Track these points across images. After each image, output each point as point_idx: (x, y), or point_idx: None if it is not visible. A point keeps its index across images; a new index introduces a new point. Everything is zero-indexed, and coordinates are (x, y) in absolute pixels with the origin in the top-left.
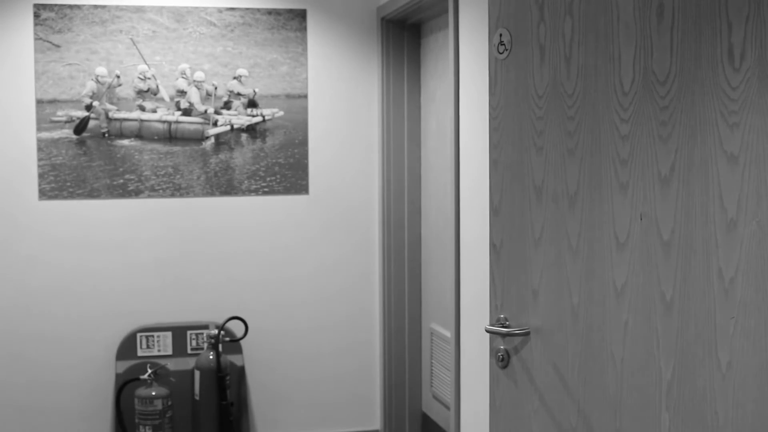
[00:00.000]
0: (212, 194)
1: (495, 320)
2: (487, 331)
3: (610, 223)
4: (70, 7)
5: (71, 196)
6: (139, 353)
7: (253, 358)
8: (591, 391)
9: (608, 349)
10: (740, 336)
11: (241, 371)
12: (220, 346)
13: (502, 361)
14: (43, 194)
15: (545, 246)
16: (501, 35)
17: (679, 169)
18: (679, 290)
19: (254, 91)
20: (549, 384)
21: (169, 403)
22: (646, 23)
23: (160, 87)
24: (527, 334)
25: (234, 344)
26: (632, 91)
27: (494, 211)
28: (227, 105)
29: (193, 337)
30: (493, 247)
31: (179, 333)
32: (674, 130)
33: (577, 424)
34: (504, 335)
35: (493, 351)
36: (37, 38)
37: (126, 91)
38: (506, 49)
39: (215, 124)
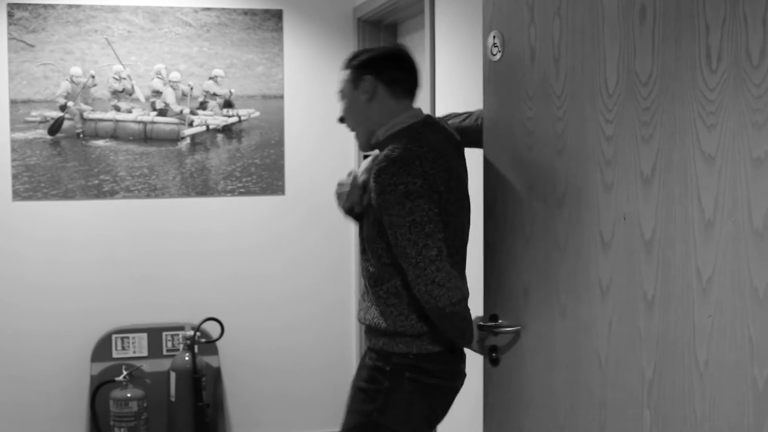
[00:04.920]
0: (188, 195)
1: (488, 318)
2: (479, 327)
3: (596, 223)
4: (45, 6)
5: (45, 196)
6: (114, 355)
7: (229, 359)
8: (578, 389)
9: (594, 348)
10: (717, 334)
11: (217, 372)
12: (196, 347)
13: (494, 358)
14: (17, 195)
15: (535, 245)
16: (494, 37)
17: (659, 169)
18: (660, 289)
19: (230, 91)
20: (539, 382)
21: (145, 404)
22: (629, 24)
23: (136, 87)
24: (518, 331)
25: (210, 345)
26: (617, 92)
27: (489, 211)
28: (203, 105)
29: (169, 338)
30: (487, 246)
31: (155, 334)
32: (655, 131)
33: (565, 422)
34: (495, 333)
35: (486, 349)
36: (10, 38)
37: (101, 92)
38: (500, 51)
39: (191, 124)
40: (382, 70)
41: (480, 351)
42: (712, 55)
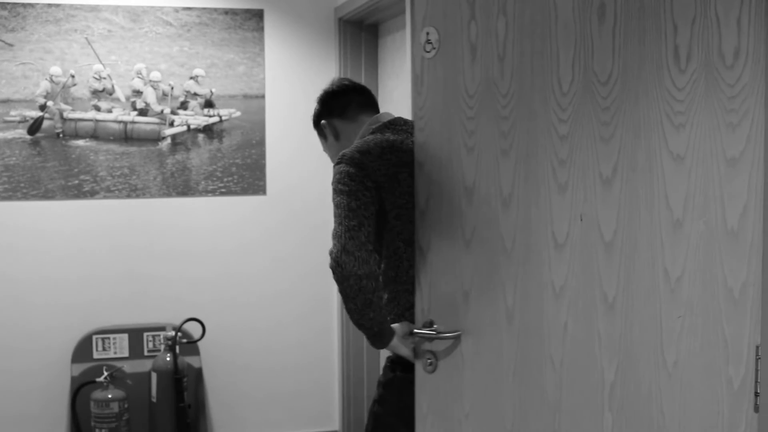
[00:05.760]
0: (169, 195)
1: (422, 323)
2: (415, 335)
3: (548, 224)
4: (24, 5)
5: (25, 197)
6: (95, 356)
7: (211, 359)
8: (528, 394)
9: (546, 351)
10: (687, 335)
11: (198, 373)
12: (177, 347)
13: (430, 365)
14: None
15: (477, 248)
16: (428, 33)
17: (621, 169)
18: (622, 291)
19: (211, 91)
20: (482, 387)
21: (126, 405)
22: (586, 23)
23: (116, 87)
24: (458, 337)
25: (191, 346)
26: (571, 92)
27: (420, 212)
28: (184, 105)
29: (150, 339)
30: (420, 250)
31: (135, 335)
32: (617, 131)
33: (513, 428)
34: (433, 338)
35: (421, 354)
36: None
37: (81, 91)
38: (434, 48)
39: (172, 124)
40: (329, 109)
41: (412, 358)
42: (680, 54)
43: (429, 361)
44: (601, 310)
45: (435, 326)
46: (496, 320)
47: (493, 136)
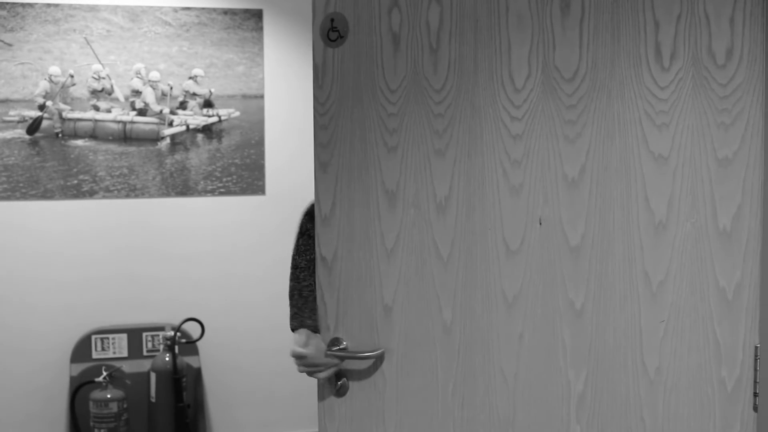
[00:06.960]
0: (168, 195)
1: (329, 342)
2: (330, 355)
3: (498, 229)
4: (23, 5)
5: (24, 197)
6: (94, 356)
7: (210, 359)
8: (472, 412)
9: (497, 365)
10: (672, 339)
11: (197, 373)
12: (177, 347)
13: (340, 387)
14: None
15: (402, 257)
16: (333, 20)
17: (591, 170)
18: (592, 297)
19: (210, 91)
20: (411, 409)
21: (125, 405)
22: (545, 16)
23: (115, 87)
24: (381, 355)
25: (190, 346)
26: (528, 88)
27: (324, 219)
28: (183, 105)
29: (149, 339)
30: (323, 261)
31: (135, 335)
32: (585, 130)
33: None
34: (354, 358)
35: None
36: None
37: (80, 91)
38: (341, 36)
39: (171, 124)
40: None
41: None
42: (663, 52)
43: (339, 383)
44: (567, 318)
45: (343, 344)
46: (429, 335)
47: (423, 135)
